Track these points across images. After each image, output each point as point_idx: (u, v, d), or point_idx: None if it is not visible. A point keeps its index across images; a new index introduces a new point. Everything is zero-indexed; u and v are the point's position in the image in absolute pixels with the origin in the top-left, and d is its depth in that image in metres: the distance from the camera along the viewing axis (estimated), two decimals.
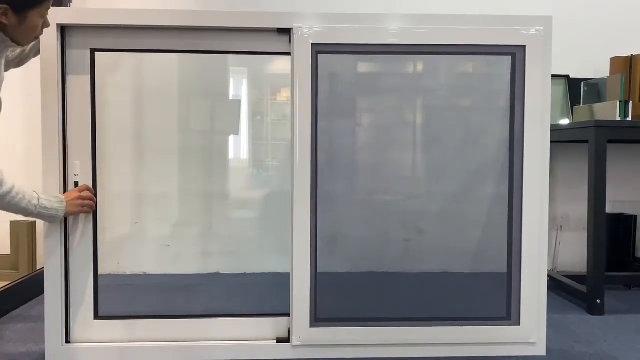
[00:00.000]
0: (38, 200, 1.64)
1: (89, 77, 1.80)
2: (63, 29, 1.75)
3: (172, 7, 3.09)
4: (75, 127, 1.81)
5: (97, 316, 1.86)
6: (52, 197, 1.68)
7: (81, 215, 1.82)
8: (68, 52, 1.77)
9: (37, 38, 1.58)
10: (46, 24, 1.54)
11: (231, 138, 3.15)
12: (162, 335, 1.88)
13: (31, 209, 1.62)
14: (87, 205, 1.79)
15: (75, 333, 1.84)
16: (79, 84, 1.79)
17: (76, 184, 1.81)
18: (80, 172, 1.82)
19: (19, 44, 1.53)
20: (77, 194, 1.76)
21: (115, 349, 1.83)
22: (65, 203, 1.71)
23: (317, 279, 1.81)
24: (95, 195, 1.83)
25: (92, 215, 1.83)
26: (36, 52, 1.76)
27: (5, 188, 1.56)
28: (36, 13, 1.47)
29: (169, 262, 3.17)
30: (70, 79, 1.78)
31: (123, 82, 3.14)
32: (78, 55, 1.78)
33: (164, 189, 3.14)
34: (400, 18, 1.77)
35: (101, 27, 1.79)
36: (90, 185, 1.82)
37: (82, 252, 1.85)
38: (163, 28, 1.82)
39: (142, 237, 3.16)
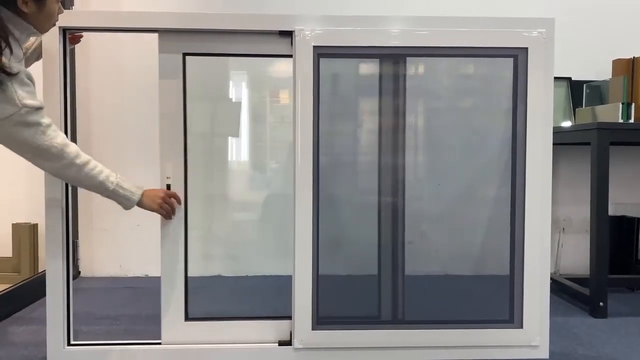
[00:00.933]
0: (116, 177, 1.62)
1: (181, 80, 1.81)
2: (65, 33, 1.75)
3: (172, 10, 3.09)
4: (167, 130, 1.82)
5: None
6: (130, 182, 1.67)
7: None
8: (161, 57, 1.79)
9: (54, 24, 1.58)
10: (61, 10, 1.55)
11: (231, 140, 3.15)
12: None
13: (108, 184, 1.59)
14: (165, 209, 1.77)
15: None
16: (172, 87, 1.81)
17: (168, 186, 1.81)
18: (172, 174, 1.81)
19: (40, 31, 1.53)
20: (162, 193, 1.75)
21: (115, 351, 1.82)
22: (143, 191, 1.69)
23: (319, 281, 1.81)
24: (186, 202, 1.82)
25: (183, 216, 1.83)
26: (38, 55, 1.76)
27: (83, 158, 1.54)
28: None
29: None
30: (162, 82, 1.81)
31: (123, 84, 3.15)
32: (172, 59, 1.79)
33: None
34: (402, 20, 1.77)
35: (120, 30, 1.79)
36: (182, 186, 1.82)
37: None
38: (164, 30, 1.82)
39: (144, 239, 3.17)
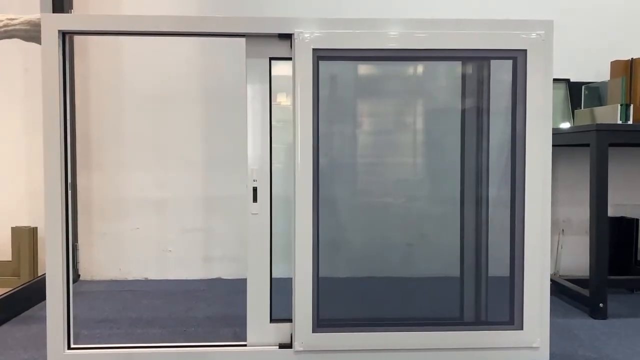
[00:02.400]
0: None
1: (267, 85, 1.81)
2: (64, 35, 1.75)
3: (173, 13, 3.09)
4: (254, 135, 1.83)
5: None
6: None
7: (258, 219, 1.81)
8: (248, 61, 1.79)
9: None
10: None
11: (232, 143, 3.15)
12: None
13: None
14: None
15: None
16: (259, 91, 1.81)
17: (254, 189, 1.82)
18: (258, 177, 1.82)
19: None
20: None
21: (118, 354, 1.82)
22: None
23: (320, 284, 1.81)
24: (271, 204, 1.82)
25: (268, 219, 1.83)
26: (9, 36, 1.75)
27: None
28: None
29: (170, 267, 3.17)
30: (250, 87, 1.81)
31: (123, 87, 3.15)
32: (259, 64, 1.80)
33: (164, 194, 3.15)
34: (401, 23, 1.78)
35: (118, 34, 1.79)
36: (268, 190, 1.82)
37: None
38: (164, 34, 1.82)
39: (144, 243, 3.17)
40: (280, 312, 1.86)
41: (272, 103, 1.78)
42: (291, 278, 1.80)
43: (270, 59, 1.81)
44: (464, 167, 1.87)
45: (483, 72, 1.85)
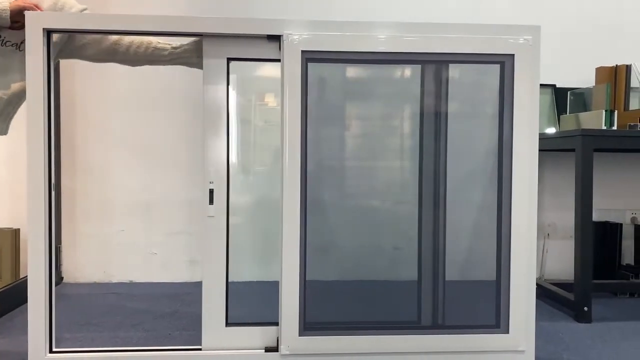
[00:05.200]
0: None
1: (224, 86, 1.79)
2: (49, 34, 1.73)
3: (160, 13, 3.07)
4: (211, 135, 1.81)
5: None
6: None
7: (214, 221, 1.79)
8: (206, 62, 1.78)
9: None
10: None
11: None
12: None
13: None
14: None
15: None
16: (216, 92, 1.80)
17: (211, 191, 1.79)
18: (214, 179, 1.80)
19: None
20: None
21: (100, 358, 1.79)
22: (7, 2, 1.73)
23: (306, 287, 1.80)
24: (228, 206, 1.80)
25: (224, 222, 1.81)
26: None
27: None
28: None
29: (155, 270, 3.14)
30: (207, 87, 1.79)
31: (108, 88, 3.12)
32: (216, 64, 1.78)
33: (149, 196, 3.11)
34: (390, 26, 1.78)
35: (93, 32, 1.77)
36: (225, 192, 1.80)
37: None
38: (151, 34, 1.81)
39: (129, 245, 3.13)
40: (267, 316, 1.85)
41: (259, 104, 1.78)
42: (277, 281, 1.79)
43: (229, 59, 1.79)
44: (423, 169, 1.87)
45: (442, 75, 1.85)
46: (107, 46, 1.87)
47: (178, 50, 1.88)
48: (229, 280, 1.79)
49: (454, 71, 1.86)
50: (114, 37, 1.85)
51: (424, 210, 1.87)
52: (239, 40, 1.78)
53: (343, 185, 1.93)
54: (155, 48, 1.88)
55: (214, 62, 1.78)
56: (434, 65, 1.84)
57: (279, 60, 1.77)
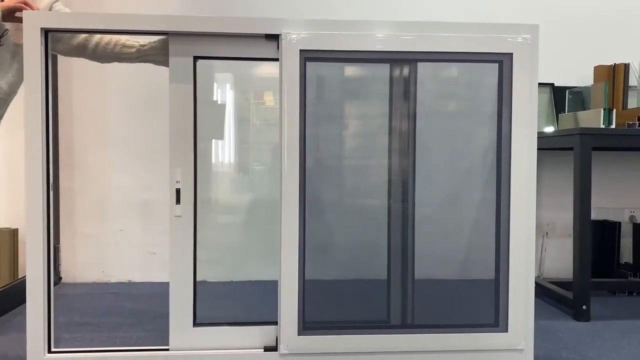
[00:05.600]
0: None
1: (192, 85, 1.78)
2: (46, 33, 1.73)
3: (158, 12, 3.06)
4: (178, 135, 1.79)
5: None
6: None
7: (182, 221, 1.77)
8: (172, 60, 1.76)
9: None
10: None
11: (216, 142, 3.13)
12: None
13: None
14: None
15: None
16: (182, 91, 1.78)
17: (177, 190, 1.78)
18: (181, 179, 1.78)
19: None
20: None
21: (98, 358, 1.79)
22: None
23: (305, 286, 1.80)
24: (195, 206, 1.79)
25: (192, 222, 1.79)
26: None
27: None
28: None
29: (154, 270, 3.13)
30: (173, 87, 1.78)
31: (106, 88, 3.12)
32: (182, 63, 1.77)
33: (149, 195, 3.11)
34: (388, 25, 1.78)
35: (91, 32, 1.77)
36: (192, 192, 1.79)
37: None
38: (151, 33, 1.80)
39: (127, 244, 3.13)
40: (266, 316, 1.85)
41: (256, 103, 1.77)
42: (276, 281, 1.79)
43: (195, 58, 1.78)
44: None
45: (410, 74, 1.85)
46: (78, 42, 1.86)
47: (145, 47, 1.86)
48: (236, 279, 1.78)
49: (451, 70, 1.86)
50: (82, 35, 1.85)
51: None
52: (237, 40, 1.78)
53: (342, 184, 1.93)
54: (124, 45, 1.86)
55: (179, 60, 1.77)
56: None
57: (277, 60, 1.77)
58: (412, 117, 1.85)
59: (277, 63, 1.77)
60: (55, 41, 1.84)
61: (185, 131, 1.79)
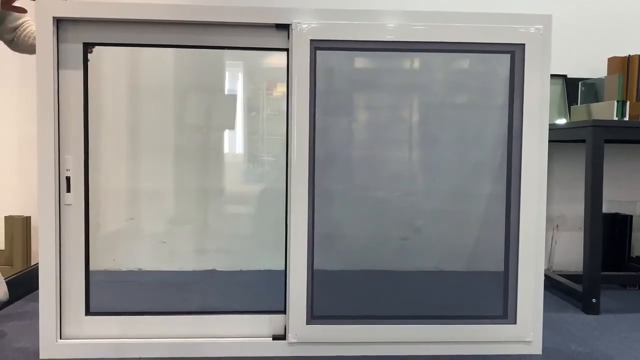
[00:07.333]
0: None
1: (81, 71, 1.77)
2: (58, 22, 1.73)
3: (168, 1, 3.07)
4: (67, 122, 1.79)
5: (88, 312, 1.84)
6: None
7: (72, 209, 1.79)
8: (61, 46, 1.75)
9: None
10: None
11: (226, 133, 3.14)
12: (156, 332, 1.86)
13: None
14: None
15: (68, 329, 1.82)
16: (72, 79, 1.78)
17: (68, 179, 1.79)
18: (72, 167, 1.79)
19: None
20: None
21: (110, 345, 1.81)
22: None
23: (314, 276, 1.81)
24: (87, 195, 1.81)
25: (82, 210, 1.81)
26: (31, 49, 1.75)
27: None
28: None
29: (164, 258, 3.16)
30: (63, 73, 1.76)
31: (116, 77, 3.13)
32: (72, 49, 1.76)
33: (159, 185, 3.13)
34: (399, 15, 1.77)
35: (95, 21, 1.78)
36: (82, 180, 1.79)
37: (74, 247, 1.82)
38: (160, 22, 1.81)
39: (138, 233, 3.15)
40: (274, 305, 1.86)
41: (266, 93, 1.77)
42: (284, 270, 1.80)
43: (85, 44, 1.78)
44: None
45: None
46: (13, 25, 1.85)
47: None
48: (246, 268, 1.79)
49: (463, 61, 1.85)
50: (20, 20, 1.83)
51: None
52: (246, 29, 1.78)
53: (351, 174, 1.93)
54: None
55: (67, 47, 1.77)
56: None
57: (287, 50, 1.77)
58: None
59: (284, 54, 1.77)
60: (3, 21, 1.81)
61: (75, 119, 1.83)
